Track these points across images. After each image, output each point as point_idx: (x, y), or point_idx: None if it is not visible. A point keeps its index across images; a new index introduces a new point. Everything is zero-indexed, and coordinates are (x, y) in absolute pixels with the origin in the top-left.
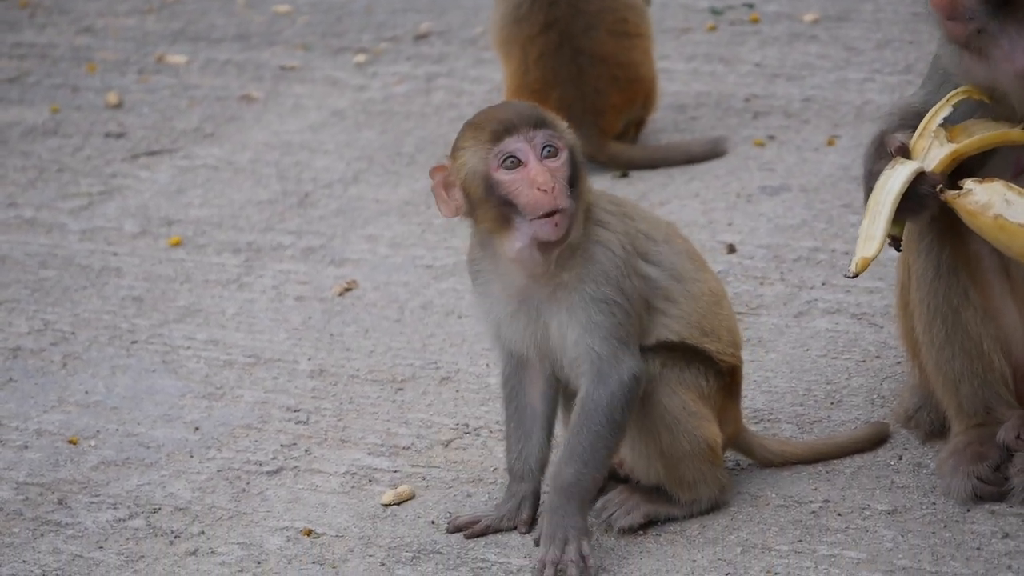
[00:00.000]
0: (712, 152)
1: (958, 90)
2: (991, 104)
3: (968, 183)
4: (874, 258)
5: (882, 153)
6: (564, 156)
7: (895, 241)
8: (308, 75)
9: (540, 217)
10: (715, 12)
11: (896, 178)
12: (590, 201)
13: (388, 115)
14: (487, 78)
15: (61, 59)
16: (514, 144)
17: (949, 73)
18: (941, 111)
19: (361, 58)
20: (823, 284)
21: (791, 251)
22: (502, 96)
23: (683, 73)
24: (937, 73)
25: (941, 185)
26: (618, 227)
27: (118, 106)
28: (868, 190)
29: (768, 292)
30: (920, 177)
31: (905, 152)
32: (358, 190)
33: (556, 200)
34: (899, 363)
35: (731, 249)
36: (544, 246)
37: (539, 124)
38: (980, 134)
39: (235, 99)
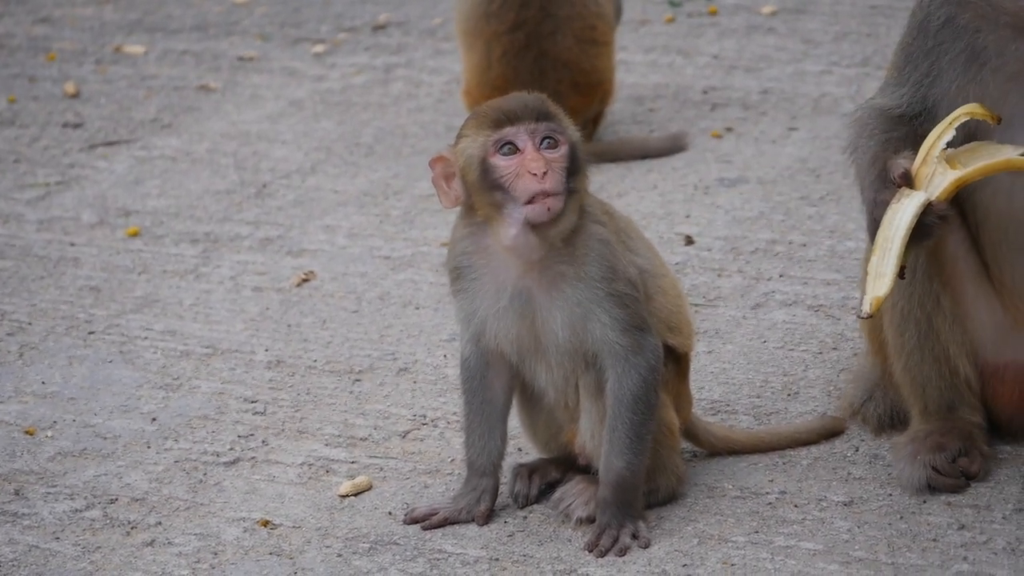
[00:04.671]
0: (672, 148)
1: (960, 111)
2: (994, 125)
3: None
4: (887, 296)
5: (884, 179)
6: (564, 150)
7: (900, 271)
8: (266, 65)
9: (530, 201)
10: (673, 4)
11: (905, 213)
12: (586, 200)
13: (346, 106)
14: (446, 69)
15: (18, 49)
16: (513, 132)
17: (930, 67)
18: (944, 135)
19: (319, 48)
20: (780, 276)
21: (749, 243)
22: (460, 89)
23: (641, 65)
24: (915, 70)
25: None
26: (609, 224)
27: (76, 96)
28: (873, 220)
29: (725, 284)
30: (927, 208)
31: (909, 180)
32: (316, 180)
33: (546, 184)
34: (856, 355)
35: (689, 241)
36: (538, 228)
37: (542, 117)
38: (984, 160)
39: (193, 89)
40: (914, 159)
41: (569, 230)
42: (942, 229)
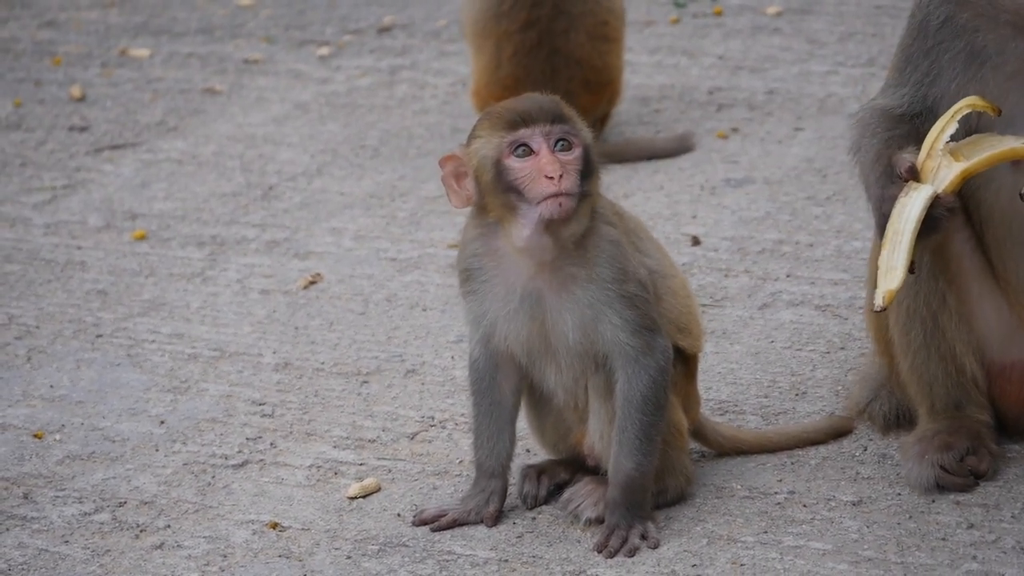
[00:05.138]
0: (678, 149)
1: (961, 104)
2: (994, 117)
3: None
4: (899, 289)
5: (890, 174)
6: (578, 152)
7: (910, 264)
8: (271, 68)
9: (544, 200)
10: (678, 5)
11: (913, 206)
12: (598, 202)
13: (351, 108)
14: (450, 71)
15: (24, 53)
16: (528, 134)
17: (930, 67)
18: (947, 128)
19: (324, 51)
20: (787, 276)
21: (755, 243)
22: (468, 89)
23: (647, 66)
24: (915, 70)
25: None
26: (620, 225)
27: (81, 100)
28: (882, 215)
29: (732, 284)
30: (934, 201)
31: (915, 174)
32: (322, 183)
33: (561, 186)
34: (863, 354)
35: (696, 241)
36: (551, 230)
37: (557, 119)
38: (988, 151)
39: (198, 92)
40: (918, 154)
41: (581, 232)
42: (950, 222)
